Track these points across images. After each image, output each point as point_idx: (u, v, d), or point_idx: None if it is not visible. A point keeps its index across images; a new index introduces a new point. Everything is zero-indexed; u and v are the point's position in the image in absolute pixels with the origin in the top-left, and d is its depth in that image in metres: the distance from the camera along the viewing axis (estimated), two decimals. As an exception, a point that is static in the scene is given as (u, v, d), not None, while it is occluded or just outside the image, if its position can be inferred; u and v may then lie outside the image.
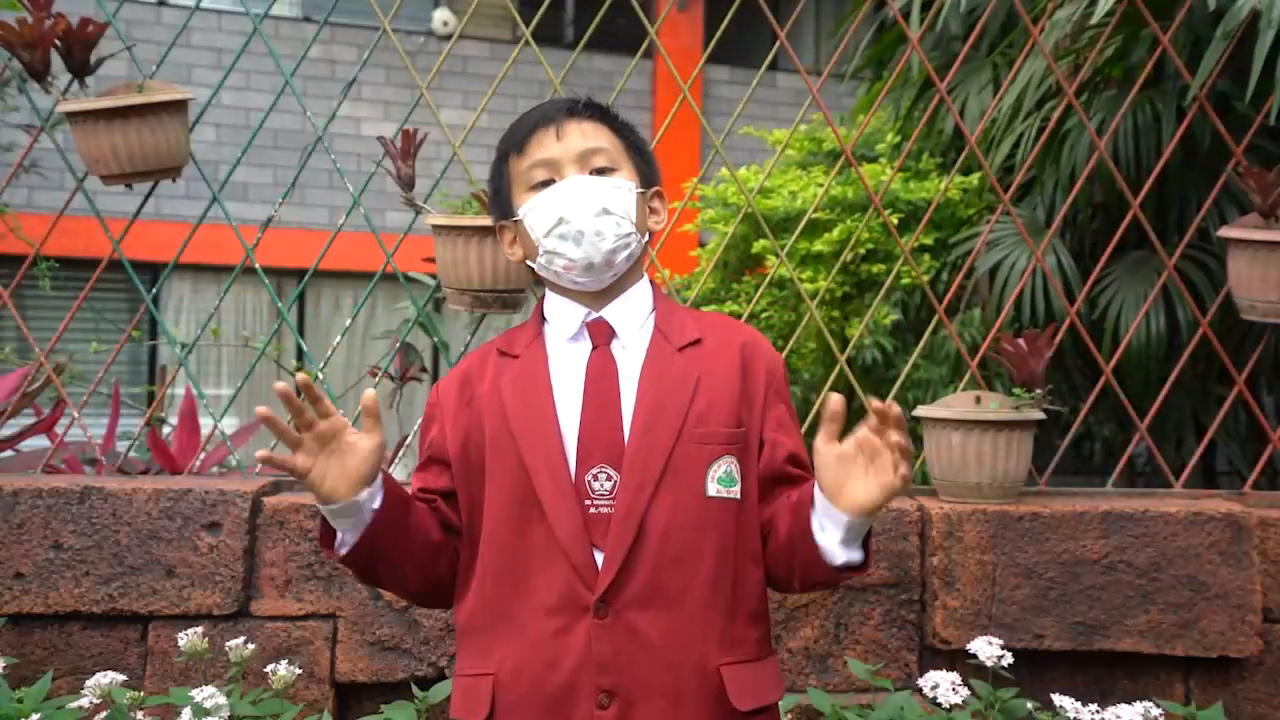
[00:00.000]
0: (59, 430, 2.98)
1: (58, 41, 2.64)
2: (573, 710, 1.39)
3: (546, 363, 1.51)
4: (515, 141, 1.54)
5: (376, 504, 1.41)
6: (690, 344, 1.51)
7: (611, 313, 1.52)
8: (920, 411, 2.65)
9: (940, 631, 2.49)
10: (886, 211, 3.13)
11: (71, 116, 2.61)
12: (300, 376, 1.32)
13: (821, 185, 5.14)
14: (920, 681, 2.09)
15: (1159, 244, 2.96)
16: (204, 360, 9.29)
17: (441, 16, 10.28)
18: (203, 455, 3.00)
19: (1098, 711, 2.03)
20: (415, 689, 2.10)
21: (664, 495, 1.42)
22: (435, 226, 2.67)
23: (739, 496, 1.47)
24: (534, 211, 1.50)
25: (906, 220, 4.92)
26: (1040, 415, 2.62)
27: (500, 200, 1.58)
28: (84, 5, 3.09)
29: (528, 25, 2.93)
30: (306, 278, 3.14)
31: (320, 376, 2.96)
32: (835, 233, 4.62)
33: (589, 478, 1.43)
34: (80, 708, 1.98)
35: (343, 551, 1.43)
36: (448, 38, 10.09)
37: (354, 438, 1.37)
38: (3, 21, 2.61)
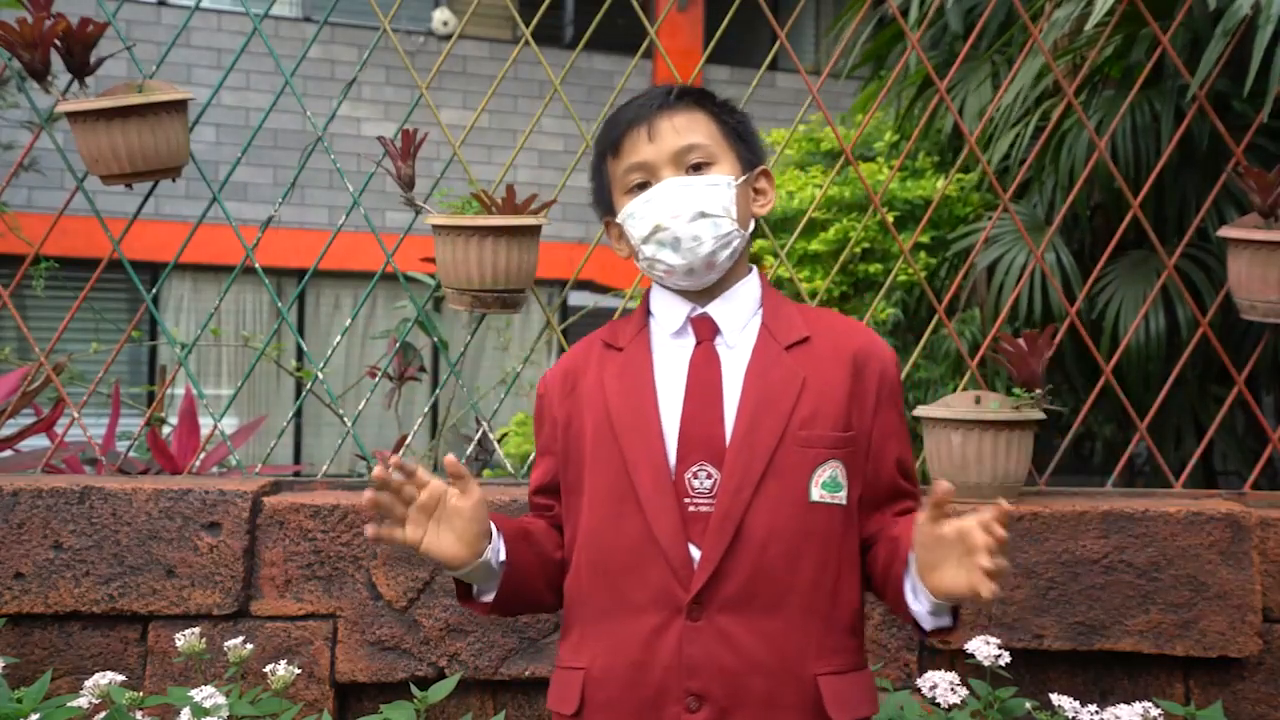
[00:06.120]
0: (59, 430, 2.98)
1: (58, 41, 2.64)
2: (662, 712, 1.38)
3: (650, 357, 1.49)
4: (610, 142, 1.51)
5: (503, 555, 1.44)
6: (798, 343, 1.47)
7: (716, 309, 1.50)
8: (920, 411, 2.65)
9: (940, 631, 2.48)
10: (883, 210, 3.13)
11: (71, 116, 2.61)
12: (394, 458, 1.34)
13: (819, 185, 5.14)
14: (919, 681, 2.09)
15: (1159, 244, 2.95)
16: (204, 360, 9.30)
17: (441, 16, 10.29)
18: (203, 455, 3.00)
19: (1097, 711, 2.03)
20: (415, 689, 2.10)
21: (764, 498, 1.40)
22: (435, 226, 2.68)
23: (844, 503, 1.44)
24: (631, 218, 1.48)
25: (903, 219, 4.92)
26: (1040, 415, 2.62)
27: (602, 198, 1.57)
28: (84, 5, 3.09)
29: (528, 25, 2.93)
30: (306, 278, 3.14)
31: (320, 376, 2.97)
32: (831, 232, 4.62)
33: (689, 475, 1.41)
34: (79, 707, 1.98)
35: (485, 600, 1.47)
36: (448, 38, 10.08)
37: (455, 501, 1.38)
38: (3, 21, 2.61)
